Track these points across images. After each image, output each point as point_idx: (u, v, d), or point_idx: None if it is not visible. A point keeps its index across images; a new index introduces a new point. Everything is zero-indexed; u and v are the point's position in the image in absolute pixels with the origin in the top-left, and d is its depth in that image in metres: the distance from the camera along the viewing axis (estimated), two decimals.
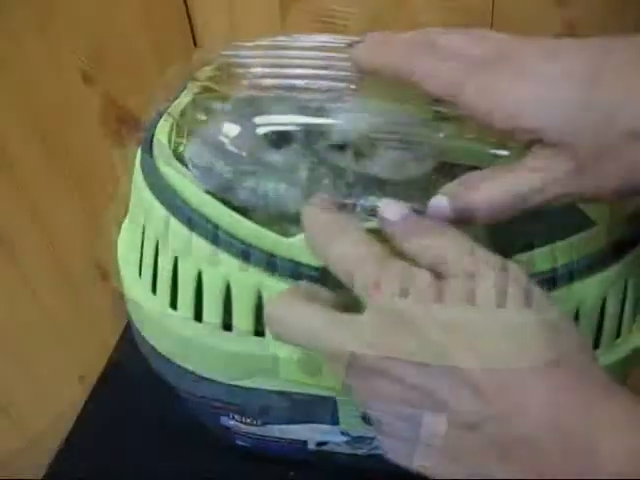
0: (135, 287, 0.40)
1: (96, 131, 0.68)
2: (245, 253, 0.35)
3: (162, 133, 0.40)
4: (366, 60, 0.36)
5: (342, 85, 0.39)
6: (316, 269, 0.34)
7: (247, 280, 0.35)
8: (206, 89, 0.42)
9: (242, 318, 0.36)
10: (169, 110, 0.41)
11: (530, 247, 0.35)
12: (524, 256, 0.34)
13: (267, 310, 0.31)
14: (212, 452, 0.48)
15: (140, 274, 0.40)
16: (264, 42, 0.44)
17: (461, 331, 0.26)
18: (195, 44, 0.73)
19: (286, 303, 0.30)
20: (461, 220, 0.32)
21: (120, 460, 0.50)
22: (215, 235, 0.35)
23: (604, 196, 0.30)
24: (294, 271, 0.34)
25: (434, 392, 0.26)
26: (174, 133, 0.40)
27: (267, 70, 0.40)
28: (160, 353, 0.40)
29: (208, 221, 0.35)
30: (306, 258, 0.34)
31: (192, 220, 0.35)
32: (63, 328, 0.75)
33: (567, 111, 0.29)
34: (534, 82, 0.30)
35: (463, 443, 0.25)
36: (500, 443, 0.25)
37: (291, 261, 0.34)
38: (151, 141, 0.39)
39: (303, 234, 0.34)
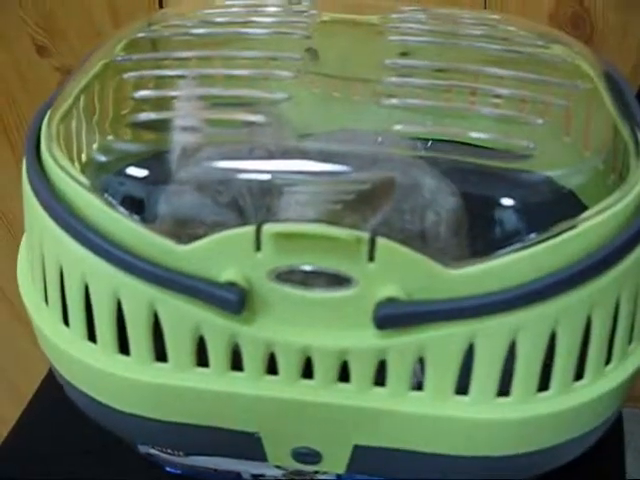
0: (29, 296, 0.34)
1: None
2: (131, 264, 0.28)
3: (53, 124, 0.33)
4: None
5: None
6: (213, 284, 0.28)
7: (137, 296, 0.29)
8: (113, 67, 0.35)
9: (138, 340, 0.30)
10: (63, 93, 0.34)
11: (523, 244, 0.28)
12: (517, 255, 0.27)
13: None
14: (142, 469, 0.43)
15: (33, 281, 0.34)
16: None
17: None
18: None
19: None
20: None
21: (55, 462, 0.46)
22: (95, 242, 0.28)
23: None
24: (189, 286, 0.28)
25: None
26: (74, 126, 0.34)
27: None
28: (56, 370, 0.34)
29: (86, 225, 0.29)
30: (202, 269, 0.28)
31: (69, 223, 0.29)
32: (24, 313, 0.70)
33: None
34: None
35: None
36: None
37: (184, 274, 0.28)
38: (38, 138, 0.33)
39: (199, 242, 0.27)
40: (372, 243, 0.27)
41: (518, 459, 0.31)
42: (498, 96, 0.34)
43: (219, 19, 0.38)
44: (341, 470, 0.33)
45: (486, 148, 0.32)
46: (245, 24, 0.37)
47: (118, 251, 0.28)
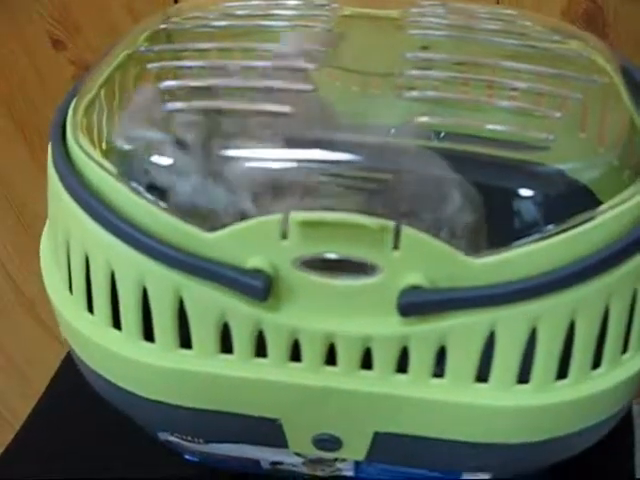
0: (51, 283, 0.35)
1: None
2: (157, 251, 0.29)
3: (78, 114, 0.33)
4: None
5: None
6: (239, 270, 0.28)
7: (163, 282, 0.29)
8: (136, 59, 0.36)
9: (163, 326, 0.30)
10: (87, 83, 0.34)
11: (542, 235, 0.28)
12: (537, 246, 0.28)
13: None
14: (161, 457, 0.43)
15: (57, 268, 0.34)
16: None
17: None
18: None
19: None
20: None
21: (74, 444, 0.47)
22: (121, 228, 0.29)
23: None
24: (215, 273, 0.28)
25: None
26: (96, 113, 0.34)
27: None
28: (78, 357, 0.34)
29: (112, 211, 0.29)
30: (228, 257, 0.28)
31: (95, 210, 0.29)
32: (39, 308, 0.71)
33: None
34: None
35: None
36: None
37: (210, 261, 0.28)
38: (63, 125, 0.33)
39: (226, 229, 0.28)
40: (397, 231, 0.27)
41: (535, 447, 0.31)
42: (515, 89, 0.34)
43: (239, 12, 0.38)
44: (361, 457, 0.33)
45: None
46: (266, 17, 0.37)
47: (144, 238, 0.29)
